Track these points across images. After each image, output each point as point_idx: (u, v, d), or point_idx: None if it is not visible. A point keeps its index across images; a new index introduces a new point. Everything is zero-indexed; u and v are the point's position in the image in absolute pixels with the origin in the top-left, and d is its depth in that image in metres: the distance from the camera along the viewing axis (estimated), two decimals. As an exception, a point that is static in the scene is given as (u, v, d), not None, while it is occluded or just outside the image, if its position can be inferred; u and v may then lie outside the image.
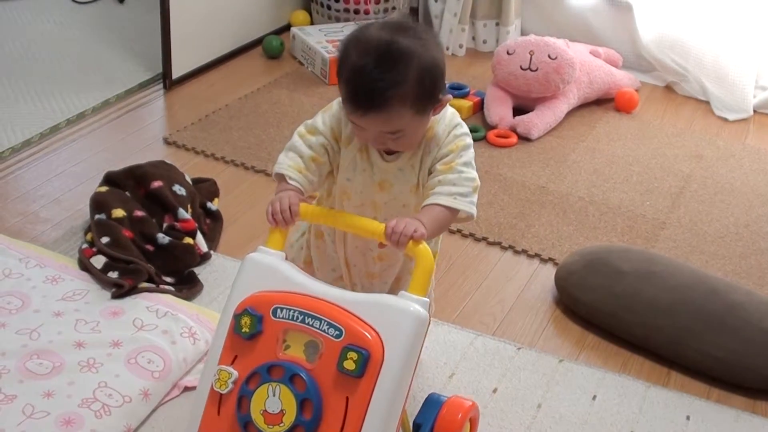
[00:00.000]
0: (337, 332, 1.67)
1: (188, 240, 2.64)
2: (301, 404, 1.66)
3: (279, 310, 1.71)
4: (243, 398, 1.70)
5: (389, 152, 1.94)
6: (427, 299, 1.74)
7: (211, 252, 2.71)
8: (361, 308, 1.70)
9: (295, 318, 1.70)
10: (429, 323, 1.75)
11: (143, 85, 3.80)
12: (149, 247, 2.61)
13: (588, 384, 2.38)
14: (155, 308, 2.38)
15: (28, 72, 3.81)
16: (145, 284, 2.47)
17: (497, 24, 4.39)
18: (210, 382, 1.74)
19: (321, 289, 1.75)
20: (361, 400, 1.66)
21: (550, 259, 2.86)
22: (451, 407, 1.99)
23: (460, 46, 4.36)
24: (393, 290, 2.12)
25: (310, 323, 1.69)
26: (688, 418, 2.30)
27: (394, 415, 1.69)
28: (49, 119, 3.44)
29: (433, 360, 2.40)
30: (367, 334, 1.67)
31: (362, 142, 1.91)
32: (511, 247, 2.92)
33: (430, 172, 1.92)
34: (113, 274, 2.47)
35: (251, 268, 1.80)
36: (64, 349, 2.22)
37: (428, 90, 1.82)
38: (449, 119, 1.94)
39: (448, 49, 4.35)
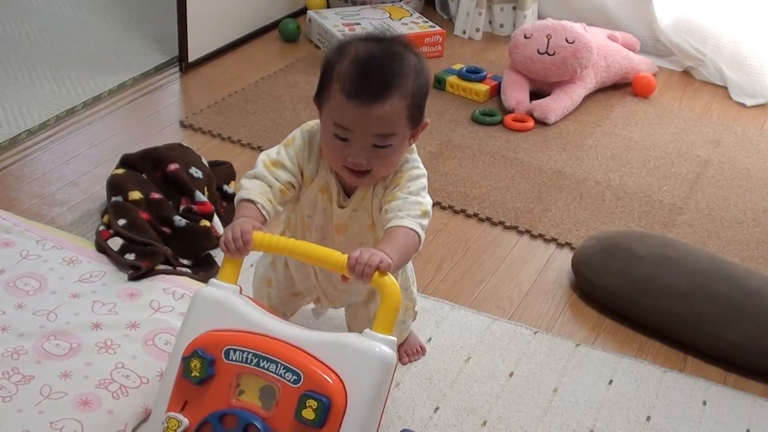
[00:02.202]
0: (294, 377, 1.54)
1: (205, 223, 2.64)
2: None
3: (232, 352, 1.57)
4: None
5: (347, 192, 1.88)
6: (394, 338, 1.61)
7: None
8: (321, 349, 1.57)
9: (249, 361, 1.56)
10: (396, 365, 1.61)
11: (159, 68, 3.80)
12: (166, 230, 2.61)
13: (604, 368, 2.37)
14: (172, 290, 2.39)
15: (44, 55, 3.82)
16: (161, 266, 2.47)
17: (514, 8, 4.37)
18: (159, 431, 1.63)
19: (278, 327, 1.62)
20: None
21: (567, 244, 2.85)
22: None
23: (477, 30, 4.35)
24: (370, 294, 2.09)
25: (266, 367, 1.55)
26: (704, 403, 2.29)
27: None
28: (66, 102, 3.44)
29: (449, 344, 2.40)
30: (327, 378, 1.54)
31: (336, 165, 1.82)
32: (527, 231, 2.91)
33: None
34: (130, 256, 2.48)
35: (201, 304, 1.67)
36: (81, 330, 2.23)
37: (421, 98, 1.79)
38: None
39: (464, 32, 4.35)
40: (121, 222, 2.57)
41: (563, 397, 2.27)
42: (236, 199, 1.83)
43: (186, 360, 1.60)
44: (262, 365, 1.56)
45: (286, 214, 2.02)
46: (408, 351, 2.32)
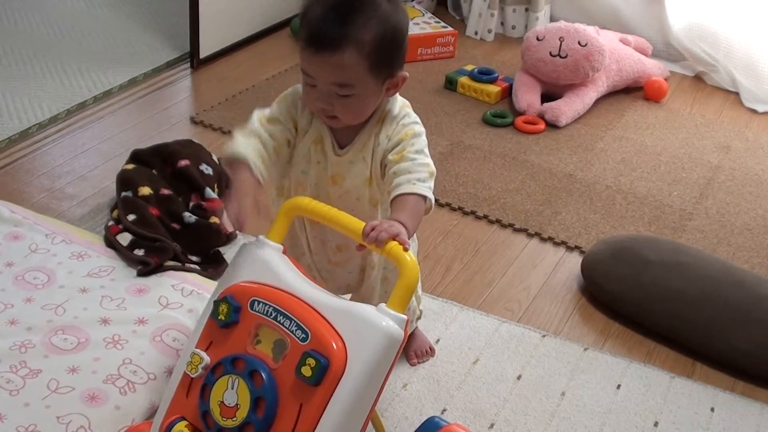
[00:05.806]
0: (303, 335, 1.60)
1: (214, 219, 2.64)
2: (255, 402, 1.59)
3: (256, 303, 1.65)
4: (206, 386, 1.65)
5: (341, 146, 1.89)
6: (405, 316, 1.62)
7: (237, 232, 2.71)
8: (334, 315, 1.62)
9: (269, 314, 1.64)
10: (404, 342, 1.64)
11: (170, 64, 3.80)
12: (175, 226, 2.61)
13: (612, 373, 2.37)
14: (181, 286, 2.38)
15: (55, 49, 3.82)
16: (170, 262, 2.47)
17: (527, 9, 4.36)
18: (185, 363, 1.71)
19: (302, 287, 1.67)
20: (313, 410, 1.57)
21: (576, 247, 2.85)
22: None
23: (489, 31, 4.34)
24: (359, 281, 2.10)
25: (281, 321, 1.62)
26: (712, 409, 2.29)
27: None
28: (76, 96, 3.45)
29: (457, 346, 2.39)
30: (333, 343, 1.58)
31: (311, 109, 1.85)
32: (537, 234, 2.90)
33: (383, 166, 1.87)
34: (139, 252, 2.47)
35: (244, 256, 1.76)
36: (89, 325, 2.23)
37: (387, 49, 1.77)
38: (398, 110, 1.89)
39: (476, 33, 4.34)
40: (131, 217, 2.57)
41: (571, 401, 2.27)
42: (228, 151, 1.79)
43: (216, 303, 1.69)
44: (278, 320, 1.63)
45: (278, 180, 2.00)
46: (417, 352, 2.32)
